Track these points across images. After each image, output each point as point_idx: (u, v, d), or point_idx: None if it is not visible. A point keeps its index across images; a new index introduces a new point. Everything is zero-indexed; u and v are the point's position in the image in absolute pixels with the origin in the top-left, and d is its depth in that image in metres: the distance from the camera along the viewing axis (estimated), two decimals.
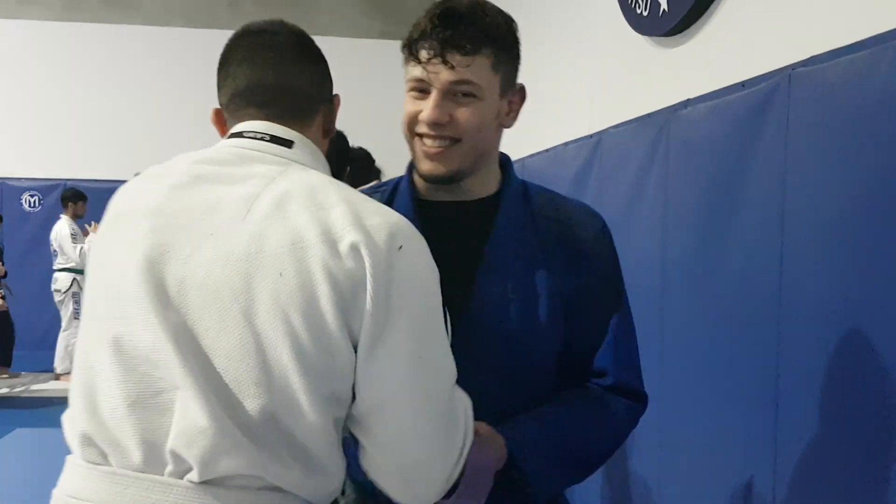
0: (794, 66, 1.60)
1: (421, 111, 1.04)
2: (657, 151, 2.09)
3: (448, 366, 0.90)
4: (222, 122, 1.01)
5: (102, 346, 0.85)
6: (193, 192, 0.89)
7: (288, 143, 0.95)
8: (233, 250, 0.84)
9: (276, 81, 0.97)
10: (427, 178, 1.08)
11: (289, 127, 0.96)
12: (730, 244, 1.80)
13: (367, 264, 0.82)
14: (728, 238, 1.81)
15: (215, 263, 0.84)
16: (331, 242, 0.83)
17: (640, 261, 2.14)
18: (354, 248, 0.82)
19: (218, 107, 1.01)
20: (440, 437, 0.88)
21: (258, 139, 0.94)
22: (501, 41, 1.05)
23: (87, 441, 0.85)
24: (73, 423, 0.87)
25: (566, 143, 2.99)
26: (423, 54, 1.02)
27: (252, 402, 0.81)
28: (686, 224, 1.98)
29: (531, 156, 3.45)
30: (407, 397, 0.86)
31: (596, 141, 2.63)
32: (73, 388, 0.88)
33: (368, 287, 0.82)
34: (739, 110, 1.78)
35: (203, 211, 0.88)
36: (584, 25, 3.02)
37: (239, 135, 0.95)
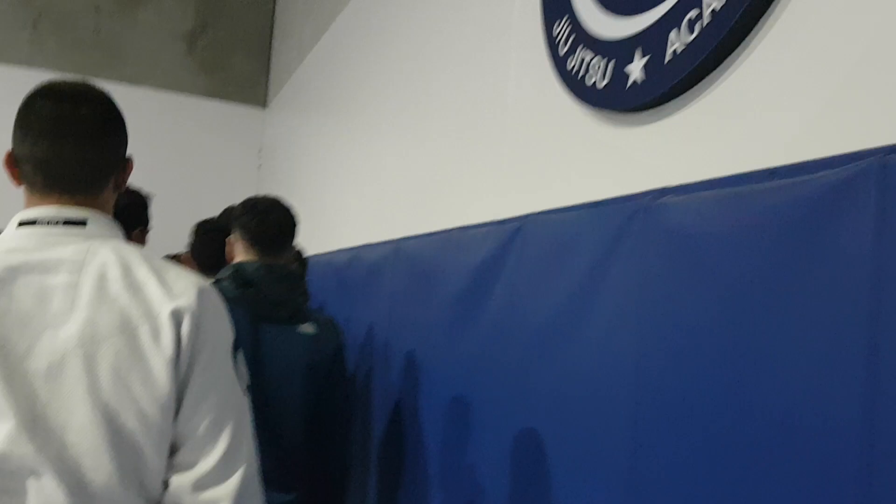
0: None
1: None
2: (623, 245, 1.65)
3: (233, 410, 1.07)
4: (13, 166, 1.07)
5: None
6: (15, 287, 0.99)
7: (82, 223, 1.05)
8: (69, 338, 0.98)
9: (73, 156, 1.04)
10: None
11: (83, 196, 1.07)
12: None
13: (184, 325, 1.03)
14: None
15: (55, 352, 0.97)
16: (153, 316, 1.02)
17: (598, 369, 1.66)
18: (174, 315, 1.02)
19: (10, 151, 1.07)
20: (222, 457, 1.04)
21: (53, 224, 1.04)
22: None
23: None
24: None
25: (466, 227, 2.53)
26: None
27: (107, 468, 0.96)
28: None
29: (410, 238, 2.95)
30: (206, 409, 1.04)
31: (514, 228, 2.18)
32: None
33: (185, 342, 1.03)
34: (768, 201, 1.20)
35: (32, 306, 0.99)
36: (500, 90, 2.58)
37: (32, 223, 1.05)
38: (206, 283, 1.10)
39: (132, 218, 1.99)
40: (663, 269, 1.48)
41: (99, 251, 1.03)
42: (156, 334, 1.00)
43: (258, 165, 6.89)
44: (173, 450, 1.04)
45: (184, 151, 6.10)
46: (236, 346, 1.12)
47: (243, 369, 1.12)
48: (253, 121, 6.84)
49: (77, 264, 1.01)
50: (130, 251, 1.06)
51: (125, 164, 1.13)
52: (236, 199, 2.35)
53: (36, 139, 1.02)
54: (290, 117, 6.13)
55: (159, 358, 1.00)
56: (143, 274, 1.03)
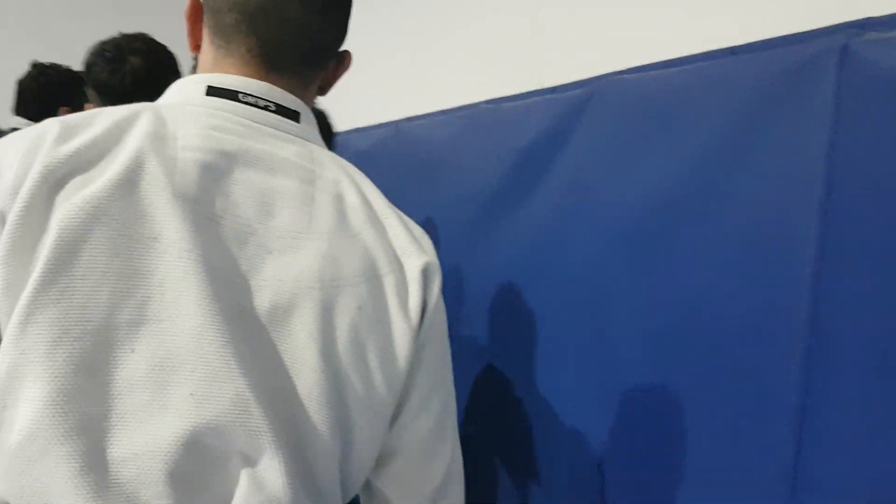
0: None
1: None
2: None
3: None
4: (198, 20, 0.78)
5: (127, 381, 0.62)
6: (232, 183, 0.69)
7: (295, 116, 0.77)
8: (303, 273, 0.69)
9: (299, 17, 0.74)
10: None
11: (295, 81, 0.78)
12: None
13: (435, 283, 0.77)
14: None
15: (283, 289, 0.68)
16: (400, 268, 0.76)
17: None
18: (422, 272, 0.76)
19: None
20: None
21: (260, 107, 0.74)
22: None
23: None
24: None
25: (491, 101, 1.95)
26: None
27: (326, 460, 0.69)
28: None
29: (415, 119, 2.38)
30: (433, 410, 0.79)
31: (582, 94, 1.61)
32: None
33: (434, 301, 0.77)
34: None
35: (254, 215, 0.69)
36: None
37: (231, 95, 0.74)
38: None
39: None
40: None
41: (324, 162, 0.77)
42: (402, 291, 0.75)
43: None
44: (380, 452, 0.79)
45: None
46: None
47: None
48: None
49: (307, 172, 0.74)
50: (356, 171, 0.80)
51: (343, 57, 0.83)
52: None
53: None
54: None
55: (404, 324, 0.74)
56: (383, 209, 0.78)
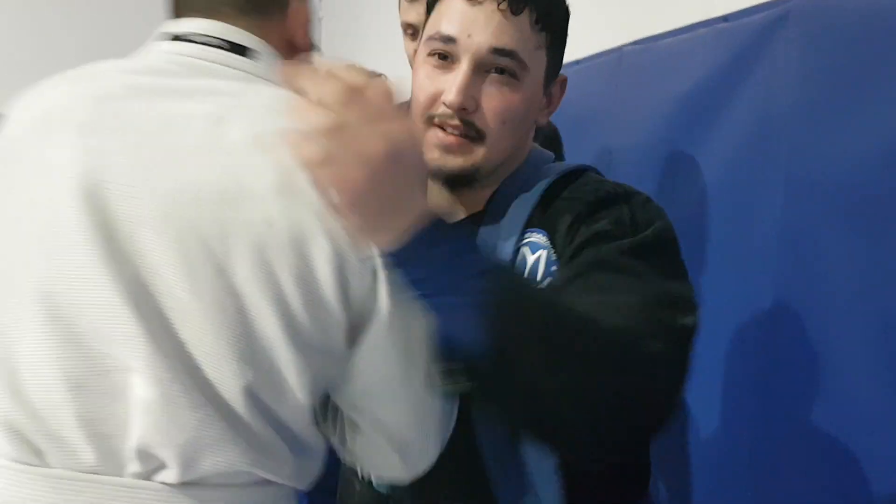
0: None
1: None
2: None
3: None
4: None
5: (25, 309, 0.66)
6: (133, 105, 0.69)
7: (249, 52, 0.75)
8: (202, 185, 0.65)
9: None
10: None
11: (247, 19, 0.76)
12: None
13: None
14: None
15: (177, 200, 0.65)
16: None
17: None
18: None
19: None
20: (436, 410, 0.75)
21: (211, 45, 0.74)
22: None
23: (14, 435, 0.66)
24: None
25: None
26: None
27: (234, 383, 0.65)
28: None
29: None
30: (401, 374, 0.71)
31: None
32: None
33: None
34: None
35: (154, 129, 0.68)
36: None
37: (180, 38, 0.75)
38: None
39: None
40: None
41: (266, 94, 0.71)
42: (321, 212, 0.66)
43: (319, 17, 5.98)
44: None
45: None
46: None
47: None
48: None
49: (231, 97, 0.70)
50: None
51: (286, 5, 0.79)
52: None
53: None
54: None
55: (325, 246, 0.66)
56: None
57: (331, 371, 0.71)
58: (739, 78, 1.33)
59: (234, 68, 0.74)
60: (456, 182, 0.87)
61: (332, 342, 0.69)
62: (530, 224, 0.86)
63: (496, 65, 0.82)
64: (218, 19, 0.75)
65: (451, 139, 0.84)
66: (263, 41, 0.76)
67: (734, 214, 1.35)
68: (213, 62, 0.74)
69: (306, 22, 0.83)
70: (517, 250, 0.85)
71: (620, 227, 0.81)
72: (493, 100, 0.83)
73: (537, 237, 0.85)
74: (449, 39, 0.83)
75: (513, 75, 0.83)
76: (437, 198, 0.89)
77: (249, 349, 0.65)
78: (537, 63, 0.85)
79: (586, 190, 0.86)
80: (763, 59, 1.27)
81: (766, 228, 1.26)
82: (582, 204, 0.84)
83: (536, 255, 0.84)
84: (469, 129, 0.83)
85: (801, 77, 1.21)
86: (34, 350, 0.65)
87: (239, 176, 0.66)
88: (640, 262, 0.77)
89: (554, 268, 0.82)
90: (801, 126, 1.20)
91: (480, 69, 0.82)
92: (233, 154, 0.67)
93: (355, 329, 0.69)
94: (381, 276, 0.69)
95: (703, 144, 1.42)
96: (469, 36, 0.82)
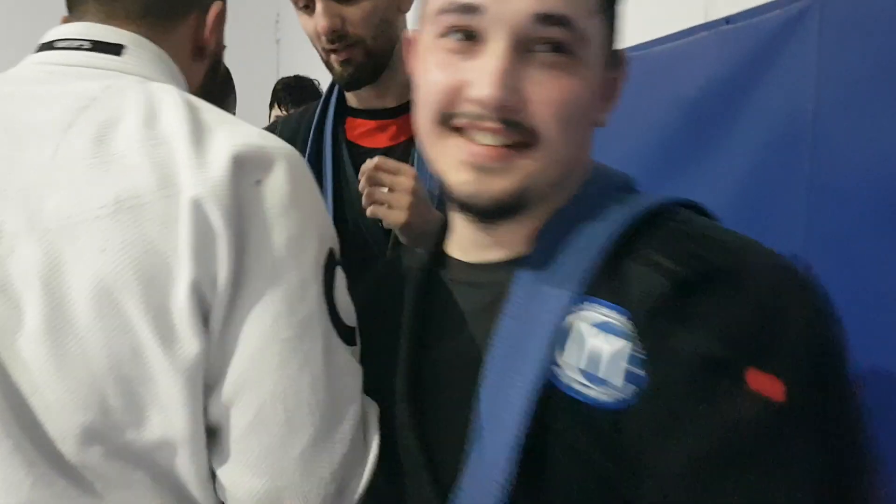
0: None
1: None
2: None
3: (320, 356, 0.63)
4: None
5: None
6: None
7: (116, 49, 0.71)
8: (37, 213, 0.59)
9: None
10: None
11: (135, 22, 0.73)
12: None
13: (217, 222, 0.59)
14: None
15: (15, 233, 0.58)
16: (170, 196, 0.59)
17: None
18: (197, 205, 0.59)
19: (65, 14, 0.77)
20: (313, 438, 0.62)
21: (74, 49, 0.71)
22: None
23: None
24: None
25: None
26: None
27: (85, 436, 0.58)
28: None
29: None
30: (269, 378, 0.61)
31: None
32: None
33: (220, 256, 0.59)
34: None
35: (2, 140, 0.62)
36: None
37: (49, 46, 0.72)
38: (277, 146, 0.64)
39: None
40: None
41: (126, 91, 0.65)
42: (171, 223, 0.58)
43: (276, 40, 5.87)
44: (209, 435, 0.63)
45: None
46: (332, 261, 0.66)
47: (345, 300, 0.67)
48: None
49: (84, 100, 0.64)
50: (170, 93, 0.66)
51: (206, 9, 0.79)
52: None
53: None
54: None
55: (174, 266, 0.58)
56: (174, 124, 0.62)
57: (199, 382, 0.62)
58: (751, 80, 1.28)
59: (96, 67, 0.70)
60: (493, 214, 0.63)
61: (193, 358, 0.60)
62: (595, 289, 0.59)
63: (544, 38, 0.59)
64: (100, 22, 0.73)
65: (487, 151, 0.60)
66: (140, 37, 0.73)
67: (755, 223, 1.30)
68: (75, 65, 0.70)
69: (214, 27, 0.81)
70: (564, 321, 0.59)
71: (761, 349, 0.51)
72: (546, 89, 0.59)
73: (613, 316, 0.56)
74: (471, 8, 0.59)
75: (569, 52, 0.59)
76: (466, 237, 0.69)
77: (95, 392, 0.58)
78: (596, 35, 0.61)
79: (687, 249, 0.57)
80: (778, 60, 1.22)
81: (790, 237, 1.22)
82: (677, 276, 0.55)
83: (608, 342, 0.56)
84: (514, 133, 0.60)
85: (822, 77, 1.16)
86: None
87: (75, 196, 0.59)
88: (804, 438, 0.49)
89: (640, 372, 0.53)
90: (823, 128, 1.15)
91: (522, 47, 0.59)
92: (70, 169, 0.60)
93: (213, 330, 0.61)
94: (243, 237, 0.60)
95: (716, 151, 1.37)
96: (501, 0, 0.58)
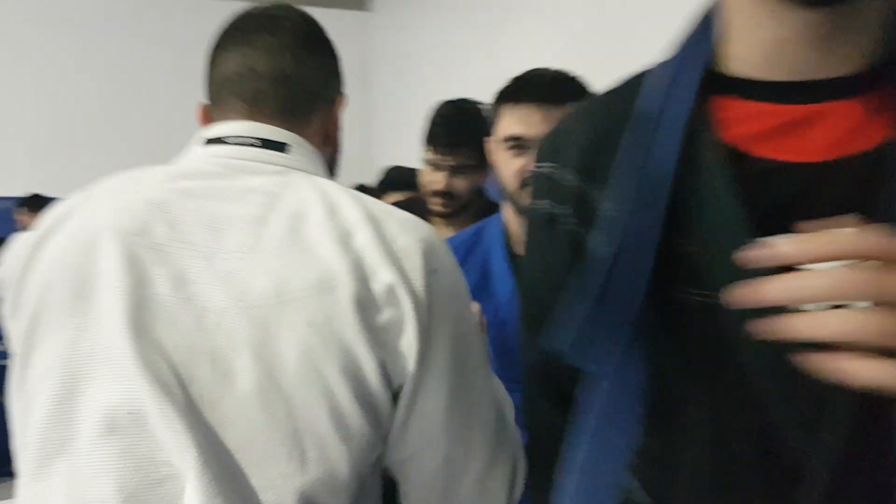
0: None
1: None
2: None
3: (487, 395, 0.79)
4: (209, 119, 0.87)
5: (81, 415, 0.68)
6: (181, 211, 0.73)
7: (281, 147, 0.81)
8: (246, 293, 0.69)
9: (270, 69, 0.83)
10: None
11: (281, 120, 0.83)
12: None
13: (406, 309, 0.70)
14: None
15: (224, 310, 0.68)
16: (363, 279, 0.70)
17: None
18: (390, 289, 0.70)
19: (205, 102, 0.87)
20: (485, 471, 0.79)
21: (246, 145, 0.80)
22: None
23: None
24: None
25: None
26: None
27: (286, 485, 0.67)
28: None
29: None
30: (444, 439, 0.76)
31: None
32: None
33: (408, 333, 0.70)
34: None
35: (202, 237, 0.72)
36: None
37: (219, 141, 0.81)
38: (435, 235, 0.77)
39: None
40: None
41: (300, 185, 0.76)
42: (367, 305, 0.69)
43: (363, 82, 6.03)
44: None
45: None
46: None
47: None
48: (351, 27, 5.86)
49: (268, 195, 0.74)
50: (341, 189, 0.77)
51: (333, 103, 0.89)
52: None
53: (228, 54, 0.84)
54: (400, 19, 5.35)
55: (368, 341, 0.69)
56: (355, 215, 0.73)
57: (376, 451, 0.74)
58: None
59: (269, 163, 0.78)
60: None
61: (380, 425, 0.72)
62: None
63: None
64: (252, 119, 0.81)
65: None
66: (297, 136, 0.82)
67: None
68: (248, 160, 0.78)
69: (337, 120, 0.90)
70: None
71: None
72: None
73: None
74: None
75: None
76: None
77: (299, 450, 0.67)
78: None
79: None
80: None
81: None
82: None
83: None
84: None
85: None
86: (92, 462, 0.66)
87: (279, 279, 0.69)
88: None
89: None
90: None
91: None
92: (271, 256, 0.70)
93: (402, 400, 0.73)
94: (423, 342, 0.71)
95: None
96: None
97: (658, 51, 0.64)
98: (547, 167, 0.68)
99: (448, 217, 1.62)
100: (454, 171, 1.62)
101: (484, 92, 1.58)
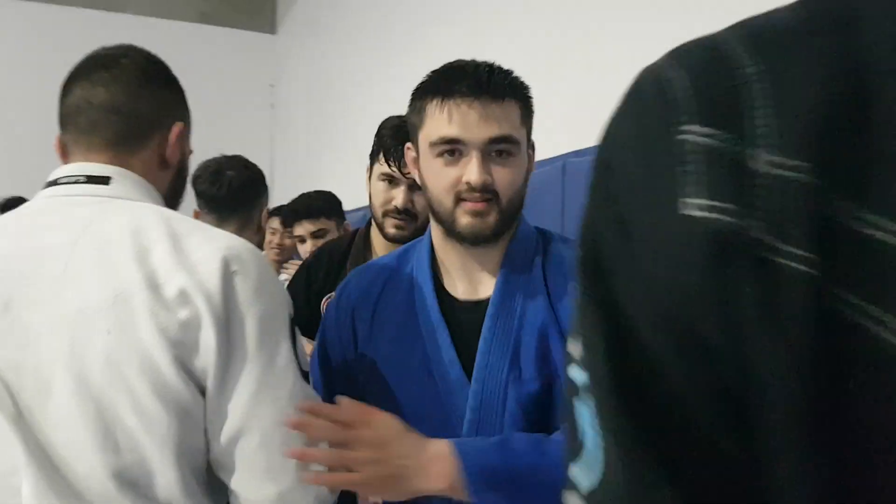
0: None
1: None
2: None
3: (299, 391, 0.88)
4: (62, 148, 0.97)
5: None
6: (10, 246, 0.88)
7: (105, 180, 0.92)
8: (60, 311, 0.83)
9: (104, 101, 0.94)
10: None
11: (113, 153, 0.94)
12: None
13: (200, 308, 0.82)
14: None
15: (41, 328, 0.83)
16: (155, 287, 0.82)
17: None
18: (183, 294, 0.82)
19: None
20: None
21: (73, 183, 0.92)
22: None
23: None
24: None
25: None
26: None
27: (104, 470, 0.81)
28: None
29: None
30: (257, 427, 0.85)
31: None
32: None
33: (206, 330, 0.83)
34: None
35: (29, 267, 0.85)
36: None
37: (54, 183, 0.93)
38: (242, 245, 0.90)
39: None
40: None
41: (116, 212, 0.89)
42: (158, 311, 0.82)
43: (271, 104, 6.02)
44: (218, 470, 0.89)
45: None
46: (293, 323, 0.92)
47: (302, 350, 0.93)
48: (261, 50, 5.87)
49: (85, 223, 0.87)
50: (154, 212, 0.90)
51: (168, 130, 0.99)
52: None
53: (70, 89, 0.95)
54: (306, 42, 5.34)
55: (160, 340, 0.82)
56: (155, 235, 0.86)
57: (193, 442, 0.85)
58: None
59: (93, 195, 0.90)
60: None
61: (187, 418, 0.84)
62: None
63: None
64: (89, 158, 0.93)
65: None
66: (123, 168, 0.93)
67: None
68: (73, 195, 0.90)
69: (175, 144, 0.99)
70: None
71: None
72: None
73: None
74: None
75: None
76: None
77: (111, 440, 0.81)
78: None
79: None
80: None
81: None
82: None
83: None
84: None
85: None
86: None
87: (83, 295, 0.83)
88: None
89: None
90: None
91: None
92: (78, 277, 0.83)
93: (210, 393, 0.85)
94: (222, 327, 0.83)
95: None
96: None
97: None
98: (720, 138, 0.30)
99: (405, 242, 1.26)
100: (413, 186, 1.42)
101: (389, 114, 1.56)
